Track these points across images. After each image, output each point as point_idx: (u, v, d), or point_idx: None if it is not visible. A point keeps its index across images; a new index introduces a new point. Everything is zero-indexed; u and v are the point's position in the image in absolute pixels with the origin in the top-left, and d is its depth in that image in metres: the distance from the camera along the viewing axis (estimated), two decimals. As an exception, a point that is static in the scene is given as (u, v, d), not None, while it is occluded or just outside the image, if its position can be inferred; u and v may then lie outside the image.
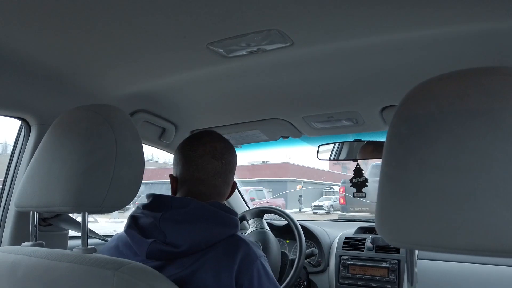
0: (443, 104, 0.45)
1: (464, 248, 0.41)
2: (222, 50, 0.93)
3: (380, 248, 1.71)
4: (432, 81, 0.48)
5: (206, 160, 0.96)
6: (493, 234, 0.39)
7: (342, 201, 9.68)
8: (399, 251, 1.67)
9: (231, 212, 0.91)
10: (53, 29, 0.85)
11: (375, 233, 1.74)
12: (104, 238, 1.48)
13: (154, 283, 0.64)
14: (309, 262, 1.83)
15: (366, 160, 1.71)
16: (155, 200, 0.91)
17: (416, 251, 0.51)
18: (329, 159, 1.79)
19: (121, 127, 0.74)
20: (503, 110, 0.41)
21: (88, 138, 0.73)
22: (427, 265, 1.55)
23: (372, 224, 1.94)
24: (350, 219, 2.52)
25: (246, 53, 0.95)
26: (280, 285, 1.42)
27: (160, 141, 1.59)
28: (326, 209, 14.45)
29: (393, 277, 1.63)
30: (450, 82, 0.46)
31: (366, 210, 8.69)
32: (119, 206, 0.73)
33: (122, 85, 1.19)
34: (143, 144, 0.81)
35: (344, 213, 9.25)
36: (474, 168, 0.41)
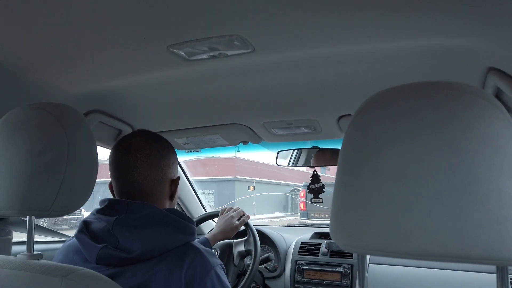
0: (394, 115, 0.47)
1: (411, 253, 0.43)
2: (183, 53, 0.92)
3: (334, 253, 1.75)
4: (386, 92, 0.50)
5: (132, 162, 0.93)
6: (437, 239, 0.41)
7: (302, 206, 8.31)
8: (352, 256, 1.71)
9: (187, 219, 0.89)
10: (2, 22, 0.80)
11: (330, 239, 1.79)
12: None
13: None
14: (265, 267, 1.84)
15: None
16: (111, 204, 0.88)
17: (368, 256, 0.53)
18: (288, 165, 1.81)
19: (73, 128, 0.71)
20: (448, 122, 0.44)
21: (38, 138, 0.69)
22: (378, 269, 1.60)
23: (328, 230, 1.99)
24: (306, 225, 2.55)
25: (207, 57, 0.95)
26: None
27: (116, 143, 1.54)
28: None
29: (346, 281, 1.67)
30: (402, 94, 0.48)
31: (327, 217, 7.34)
32: (69, 210, 0.70)
33: (76, 84, 1.14)
34: (97, 146, 0.78)
35: (303, 220, 7.85)
36: (420, 176, 0.43)
